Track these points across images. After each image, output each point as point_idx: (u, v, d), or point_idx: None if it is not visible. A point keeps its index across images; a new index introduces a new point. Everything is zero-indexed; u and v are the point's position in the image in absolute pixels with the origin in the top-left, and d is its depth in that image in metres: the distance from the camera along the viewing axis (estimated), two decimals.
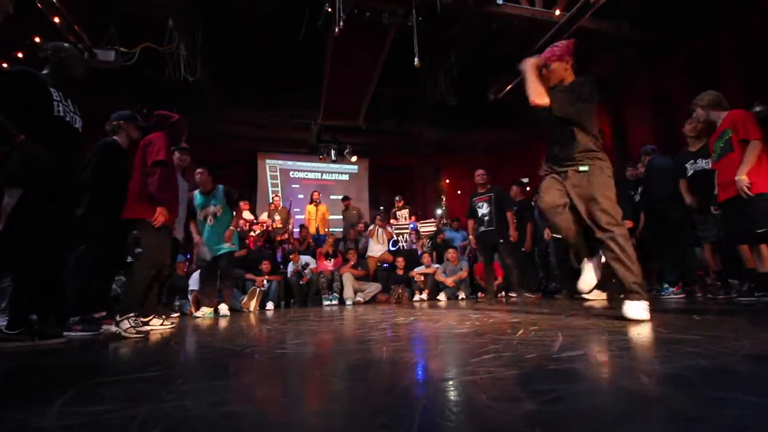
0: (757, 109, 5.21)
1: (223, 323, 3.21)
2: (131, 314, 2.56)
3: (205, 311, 4.05)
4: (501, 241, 4.77)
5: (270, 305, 5.24)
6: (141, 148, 2.90)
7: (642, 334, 1.52)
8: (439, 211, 8.06)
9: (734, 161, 2.91)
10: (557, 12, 5.96)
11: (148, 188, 2.76)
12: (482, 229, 4.98)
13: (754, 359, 1.01)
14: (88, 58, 5.67)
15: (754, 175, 2.82)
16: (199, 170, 4.28)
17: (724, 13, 5.82)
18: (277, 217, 7.24)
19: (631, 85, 7.77)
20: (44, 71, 2.46)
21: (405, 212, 8.08)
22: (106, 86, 6.92)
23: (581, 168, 2.14)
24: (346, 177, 11.18)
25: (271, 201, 9.13)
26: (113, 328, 2.61)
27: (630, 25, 6.35)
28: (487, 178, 5.07)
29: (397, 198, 8.25)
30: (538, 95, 2.12)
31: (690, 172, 3.65)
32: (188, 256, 5.34)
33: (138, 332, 2.50)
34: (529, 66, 2.20)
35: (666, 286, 3.92)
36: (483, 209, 4.95)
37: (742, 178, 2.81)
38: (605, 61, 7.74)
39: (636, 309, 1.92)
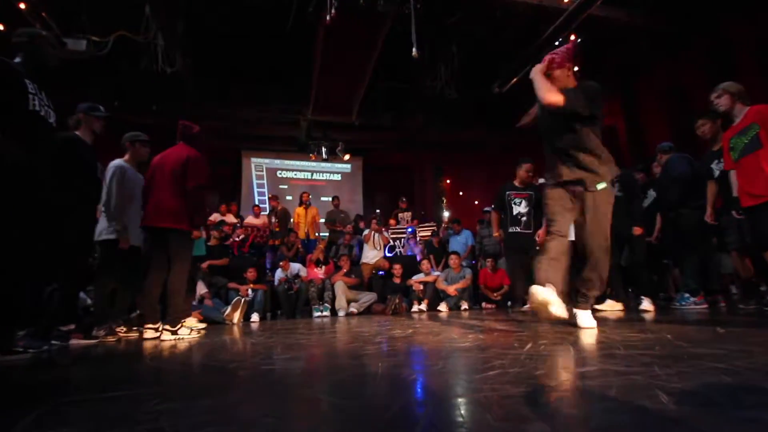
0: None
1: (202, 338, 3.18)
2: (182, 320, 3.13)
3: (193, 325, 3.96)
4: (537, 248, 4.60)
5: (255, 317, 5.20)
6: (181, 163, 3.11)
7: (660, 348, 1.52)
8: (446, 214, 7.99)
9: (761, 159, 2.88)
10: None
11: (186, 204, 3.08)
12: (516, 229, 4.71)
13: None
14: (57, 48, 5.64)
15: None
16: None
17: (747, 3, 5.88)
18: (274, 220, 7.23)
19: (646, 79, 7.84)
20: (16, 60, 2.43)
21: (408, 215, 8.11)
22: (76, 78, 6.88)
23: (599, 186, 2.33)
24: (338, 177, 11.18)
25: (256, 203, 9.15)
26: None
27: (644, 14, 6.41)
28: (533, 175, 4.81)
29: (403, 199, 8.29)
30: (550, 92, 2.22)
31: (716, 173, 3.64)
32: None
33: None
34: (536, 72, 2.34)
35: (686, 295, 3.91)
36: (520, 207, 4.70)
37: None
38: (618, 53, 7.82)
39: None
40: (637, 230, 4.13)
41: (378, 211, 7.53)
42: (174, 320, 3.07)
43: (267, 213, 7.81)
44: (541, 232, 4.48)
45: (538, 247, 4.56)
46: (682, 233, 4.01)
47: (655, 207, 4.58)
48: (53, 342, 2.80)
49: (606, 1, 5.69)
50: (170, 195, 3.09)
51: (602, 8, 6.02)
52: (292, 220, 8.16)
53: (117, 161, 3.48)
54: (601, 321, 2.74)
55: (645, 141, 7.57)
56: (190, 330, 3.18)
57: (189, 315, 4.06)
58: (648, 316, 3.20)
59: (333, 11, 5.13)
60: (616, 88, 8.26)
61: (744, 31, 6.06)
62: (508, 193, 4.83)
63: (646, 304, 3.86)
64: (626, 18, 6.42)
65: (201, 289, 5.09)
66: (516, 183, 4.84)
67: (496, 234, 5.29)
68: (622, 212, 4.04)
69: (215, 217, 7.23)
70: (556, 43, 6.74)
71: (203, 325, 4.06)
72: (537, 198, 4.68)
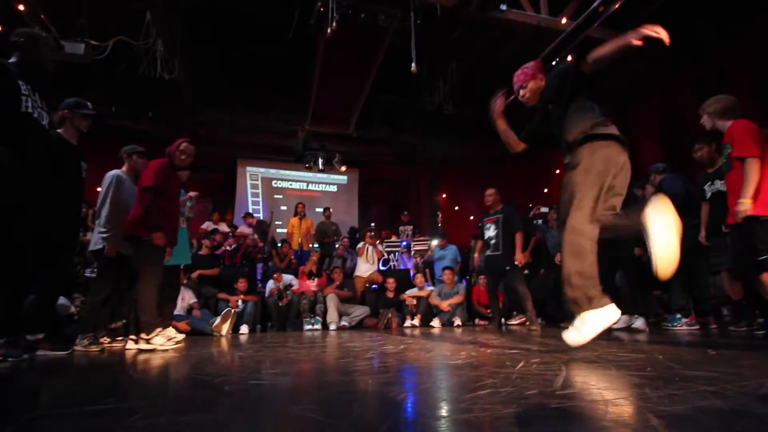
0: None
1: (186, 350, 3.14)
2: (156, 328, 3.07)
3: (171, 335, 3.91)
4: (507, 268, 4.69)
5: (244, 329, 5.14)
6: (144, 172, 3.30)
7: (652, 369, 1.52)
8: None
9: (734, 180, 2.89)
10: (564, 20, 6.13)
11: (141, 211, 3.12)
12: (488, 252, 4.96)
13: None
14: (55, 51, 5.65)
15: (754, 196, 2.74)
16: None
17: (738, 27, 6.05)
18: (255, 236, 7.20)
19: (641, 100, 7.97)
20: (11, 60, 2.43)
21: (409, 228, 8.14)
22: (73, 82, 6.89)
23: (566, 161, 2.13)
24: (334, 188, 11.20)
25: (249, 212, 9.12)
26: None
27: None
28: (497, 198, 4.98)
29: (404, 212, 8.35)
30: (515, 145, 2.53)
31: (708, 195, 3.71)
32: None
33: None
34: (496, 120, 2.52)
35: (678, 316, 3.94)
36: (490, 231, 4.92)
37: (745, 202, 2.73)
38: (614, 76, 7.96)
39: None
40: (638, 251, 4.17)
41: (372, 224, 7.50)
42: (148, 329, 3.03)
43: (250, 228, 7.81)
44: (519, 256, 4.62)
45: (508, 267, 4.65)
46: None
47: None
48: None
49: (602, 23, 5.81)
50: (136, 204, 3.22)
51: (599, 30, 6.15)
52: (285, 230, 8.13)
53: (115, 171, 3.51)
54: (595, 340, 2.74)
55: (640, 163, 7.66)
56: (166, 340, 3.12)
57: (168, 325, 3.96)
58: (640, 336, 3.21)
59: (334, 24, 5.19)
60: (612, 109, 8.39)
61: (735, 57, 6.21)
62: (483, 220, 5.10)
63: (640, 324, 3.90)
64: None
65: (190, 298, 5.03)
66: (489, 209, 5.07)
67: (476, 261, 5.63)
68: None
69: (207, 225, 7.19)
70: (553, 63, 6.87)
71: (182, 336, 3.98)
72: (505, 220, 4.84)
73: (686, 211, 3.98)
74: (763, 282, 2.96)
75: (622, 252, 4.19)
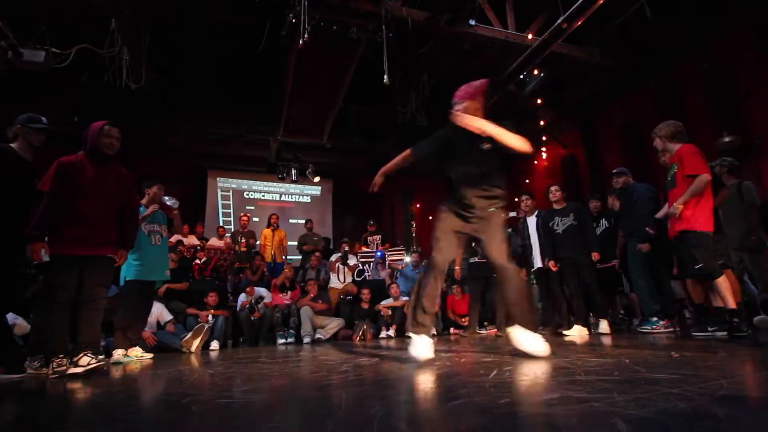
0: (726, 140, 5.70)
1: (154, 368, 3.01)
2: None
3: (135, 352, 3.76)
4: (494, 275, 4.84)
5: (215, 344, 4.98)
6: None
7: (619, 373, 1.57)
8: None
9: (677, 197, 3.14)
10: (530, 36, 6.37)
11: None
12: (475, 259, 5.14)
13: (732, 401, 1.06)
14: (12, 58, 5.40)
15: (690, 210, 3.03)
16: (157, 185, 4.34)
17: (693, 45, 6.43)
18: (241, 240, 7.04)
19: (604, 113, 8.33)
20: None
21: (377, 238, 8.08)
22: (32, 90, 6.62)
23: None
24: (307, 199, 11.10)
25: (220, 224, 8.90)
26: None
27: (601, 52, 6.87)
28: None
29: (370, 222, 8.31)
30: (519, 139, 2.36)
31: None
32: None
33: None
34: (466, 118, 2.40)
35: (654, 319, 4.02)
36: None
37: (678, 207, 3.03)
38: (578, 88, 8.30)
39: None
40: (596, 256, 4.35)
41: (346, 249, 7.28)
42: (53, 353, 2.71)
43: (230, 234, 7.64)
44: None
45: (494, 274, 4.79)
46: (640, 258, 4.20)
47: (608, 235, 4.87)
48: None
49: (566, 39, 6.06)
50: None
51: (563, 46, 6.42)
52: (258, 242, 7.96)
53: None
54: (566, 346, 2.81)
55: (603, 171, 7.98)
56: (88, 360, 2.74)
57: (135, 344, 3.81)
58: (606, 340, 3.30)
59: (306, 36, 5.19)
60: (577, 120, 8.73)
61: (690, 73, 6.59)
62: None
63: (604, 326, 4.11)
64: (585, 56, 6.86)
65: (166, 316, 4.86)
66: None
67: (457, 273, 5.76)
68: (574, 240, 4.37)
69: (174, 238, 6.98)
70: (521, 76, 7.11)
71: (149, 356, 3.83)
72: None
73: (652, 219, 4.17)
74: (713, 287, 3.15)
75: (579, 258, 4.36)
